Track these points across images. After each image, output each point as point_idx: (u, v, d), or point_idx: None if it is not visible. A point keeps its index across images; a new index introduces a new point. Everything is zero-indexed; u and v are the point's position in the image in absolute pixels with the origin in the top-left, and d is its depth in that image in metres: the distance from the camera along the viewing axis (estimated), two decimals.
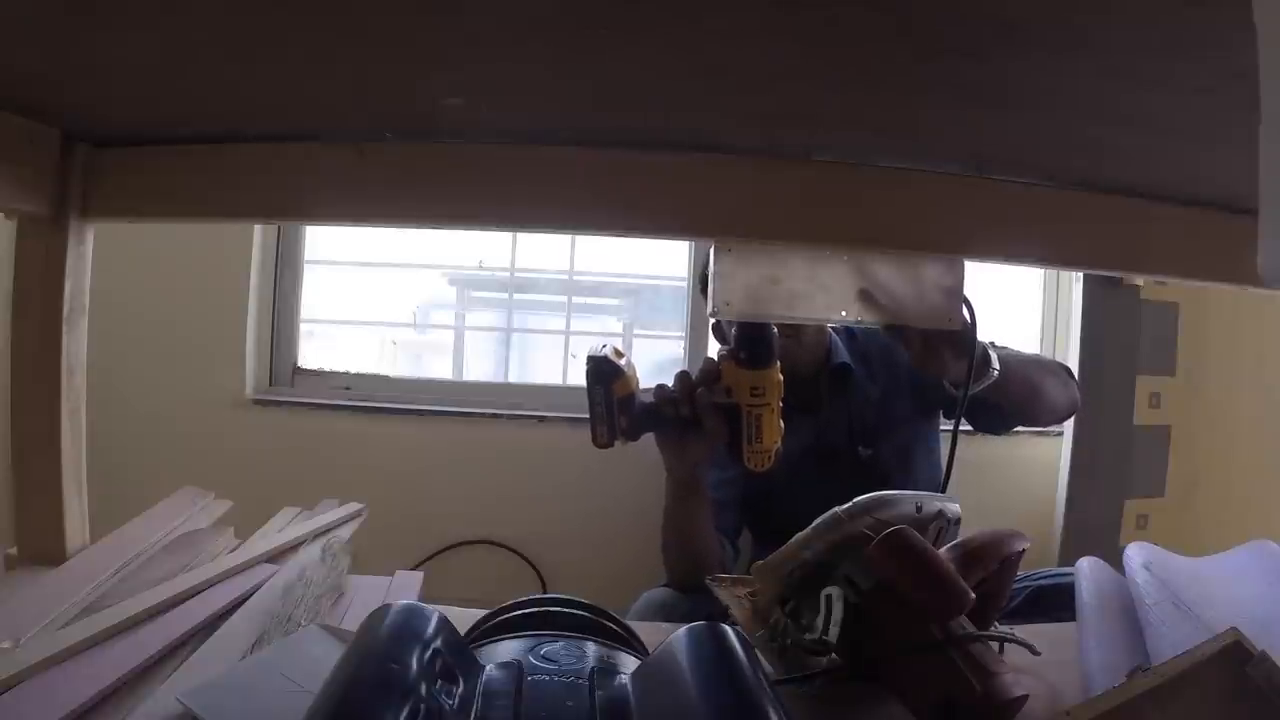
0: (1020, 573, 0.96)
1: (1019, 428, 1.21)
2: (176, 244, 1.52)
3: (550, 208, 0.76)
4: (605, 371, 0.82)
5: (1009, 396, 0.96)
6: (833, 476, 1.13)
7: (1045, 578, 0.94)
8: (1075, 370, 1.55)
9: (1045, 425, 1.36)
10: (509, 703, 0.33)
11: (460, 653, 0.36)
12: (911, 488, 1.05)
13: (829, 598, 0.54)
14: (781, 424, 0.83)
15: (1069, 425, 1.58)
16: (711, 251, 0.73)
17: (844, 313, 0.75)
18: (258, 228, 1.58)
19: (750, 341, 0.80)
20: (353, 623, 0.66)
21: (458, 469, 1.58)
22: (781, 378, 0.82)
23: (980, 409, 1.06)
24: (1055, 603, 0.82)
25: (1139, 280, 1.53)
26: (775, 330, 0.81)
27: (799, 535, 0.57)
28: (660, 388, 0.86)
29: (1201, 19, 0.40)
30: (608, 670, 0.36)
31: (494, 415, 1.61)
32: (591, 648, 0.38)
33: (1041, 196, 0.77)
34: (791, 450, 0.92)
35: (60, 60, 0.57)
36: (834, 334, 1.24)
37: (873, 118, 0.64)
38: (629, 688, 0.35)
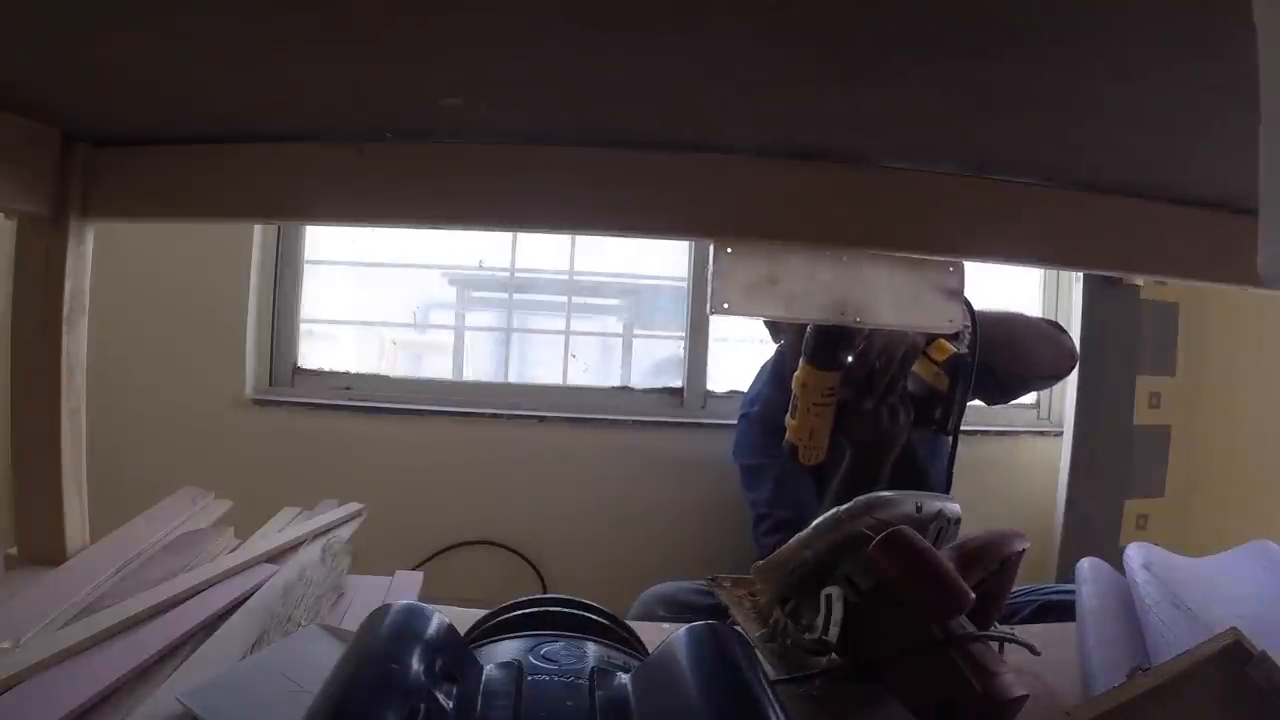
0: (1027, 585, 0.97)
1: (1020, 395, 1.21)
2: (176, 244, 1.52)
3: (550, 208, 0.76)
4: None
5: (994, 352, 0.97)
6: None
7: (1053, 592, 0.95)
8: (1075, 373, 1.56)
9: (1041, 382, 1.32)
10: (509, 703, 0.33)
11: (460, 653, 0.36)
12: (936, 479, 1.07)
13: (829, 598, 0.54)
14: (809, 425, 0.88)
15: (1069, 425, 1.58)
16: (711, 251, 0.73)
17: (843, 313, 0.75)
18: (258, 228, 1.58)
19: (807, 338, 0.87)
20: (353, 623, 0.66)
21: (458, 469, 1.58)
22: (812, 382, 0.87)
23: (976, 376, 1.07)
24: (1062, 618, 0.81)
25: (1139, 280, 1.52)
26: (821, 334, 0.85)
27: (799, 535, 0.57)
28: None
29: (1203, 19, 0.40)
30: (608, 670, 0.36)
31: (494, 415, 1.61)
32: (591, 648, 0.38)
33: (1041, 196, 0.77)
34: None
35: (60, 60, 0.56)
36: None
37: (873, 118, 0.64)
38: (629, 688, 0.35)
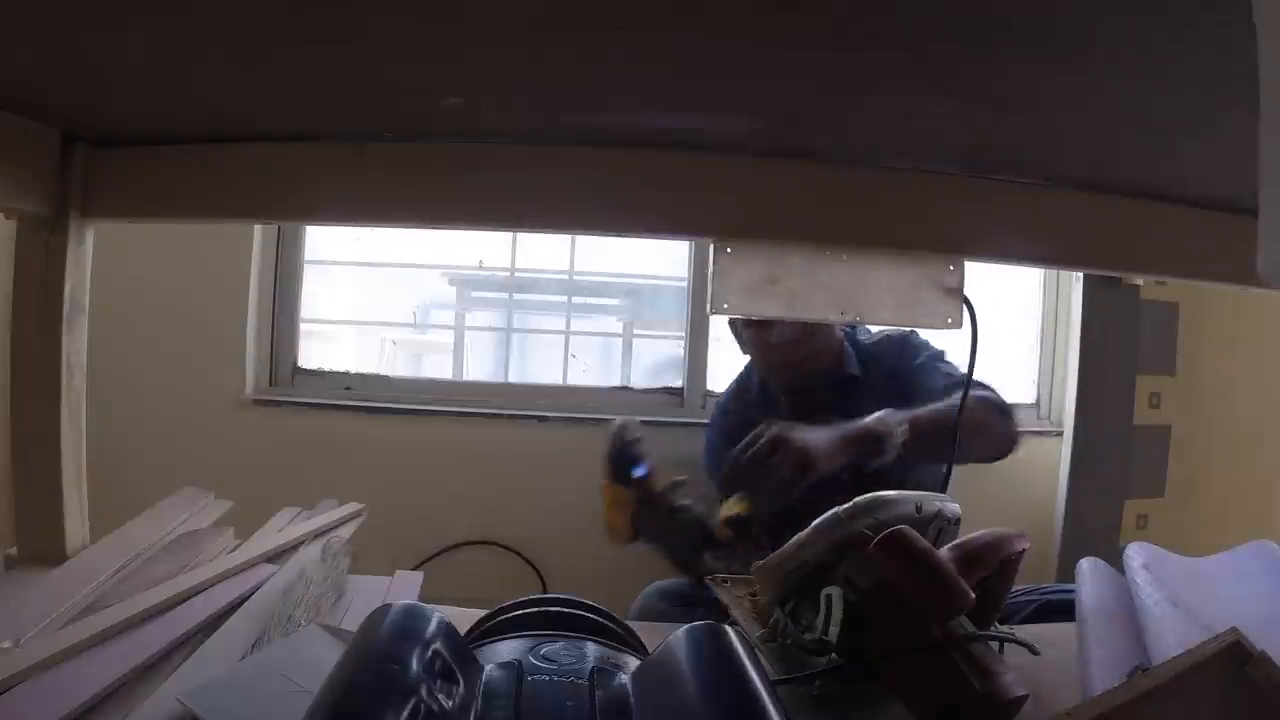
0: (1027, 585, 0.97)
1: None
2: (176, 244, 1.52)
3: (550, 207, 0.76)
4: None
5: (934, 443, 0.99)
6: (838, 485, 1.12)
7: (1053, 592, 0.94)
8: (1075, 374, 1.55)
9: (978, 462, 1.28)
10: (509, 703, 0.33)
11: (460, 653, 0.36)
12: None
13: (829, 598, 0.54)
14: (609, 518, 1.11)
15: (1068, 425, 1.58)
16: (711, 251, 0.73)
17: (843, 313, 0.75)
18: (258, 228, 1.58)
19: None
20: (353, 623, 0.66)
21: (458, 469, 1.58)
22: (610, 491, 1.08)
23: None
24: (1062, 618, 0.81)
25: (1139, 280, 1.52)
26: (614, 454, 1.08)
27: (799, 535, 0.57)
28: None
29: (1201, 19, 0.40)
30: (608, 670, 0.36)
31: (494, 415, 1.61)
32: (591, 648, 0.38)
33: (1041, 196, 0.77)
34: None
35: (60, 60, 0.57)
36: (847, 343, 1.22)
37: (873, 118, 0.64)
38: (629, 688, 0.35)
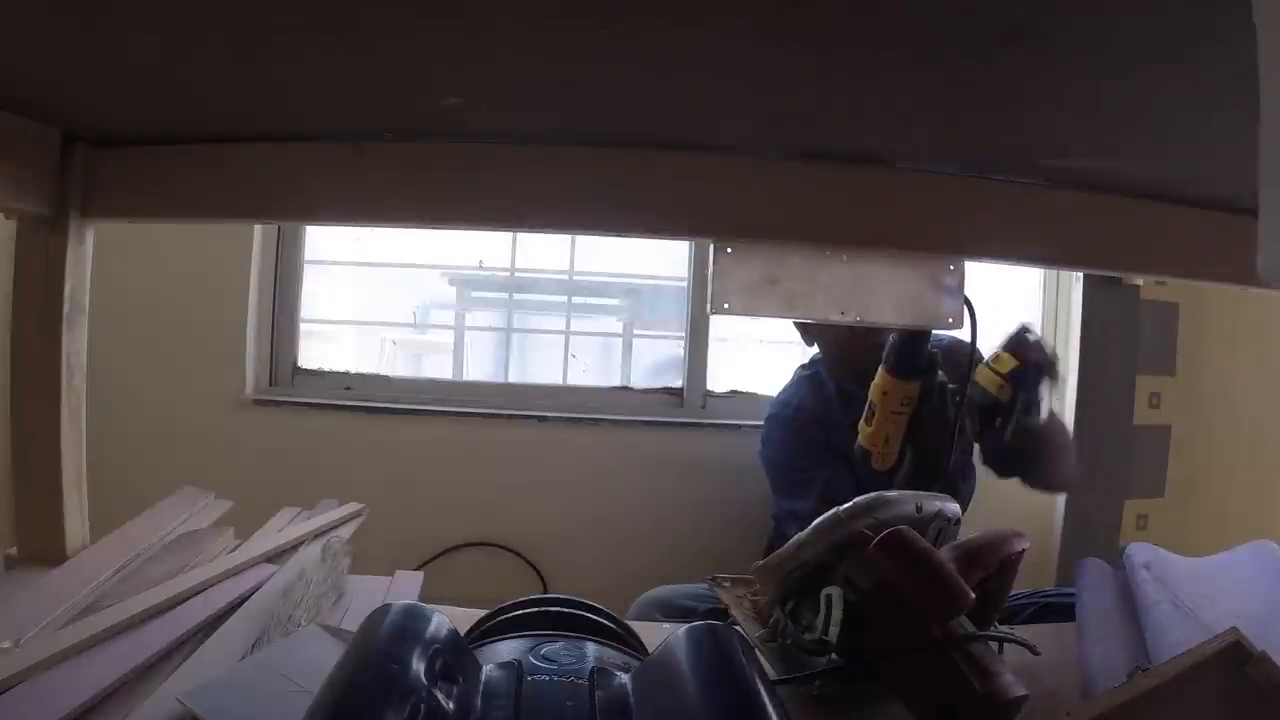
0: (1027, 589, 0.97)
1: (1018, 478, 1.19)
2: (176, 244, 1.52)
3: (550, 207, 0.76)
4: None
5: (1038, 447, 0.97)
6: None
7: (1053, 595, 0.94)
8: (1075, 374, 1.55)
9: (1042, 489, 1.29)
10: (509, 703, 0.33)
11: (460, 653, 0.36)
12: (965, 495, 1.05)
13: (829, 598, 0.54)
14: (885, 433, 0.87)
15: (1069, 425, 1.58)
16: (711, 251, 0.73)
17: (843, 313, 0.75)
18: (258, 228, 1.57)
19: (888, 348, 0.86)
20: (353, 623, 0.66)
21: (458, 469, 1.58)
22: (891, 391, 0.85)
23: (999, 449, 1.07)
24: (1063, 620, 0.81)
25: (1139, 280, 1.53)
26: (903, 345, 0.84)
27: (798, 535, 0.57)
28: None
29: (1202, 19, 0.40)
30: (607, 670, 0.36)
31: (494, 415, 1.61)
32: (591, 648, 0.38)
33: (1041, 196, 0.77)
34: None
35: (60, 60, 0.57)
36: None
37: (873, 118, 0.64)
38: (629, 688, 0.35)
